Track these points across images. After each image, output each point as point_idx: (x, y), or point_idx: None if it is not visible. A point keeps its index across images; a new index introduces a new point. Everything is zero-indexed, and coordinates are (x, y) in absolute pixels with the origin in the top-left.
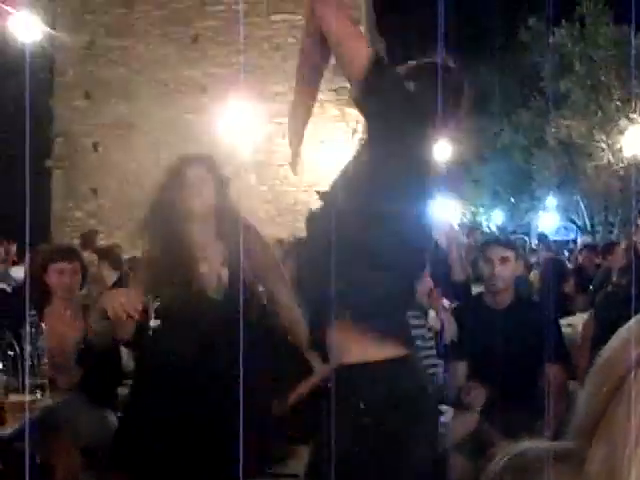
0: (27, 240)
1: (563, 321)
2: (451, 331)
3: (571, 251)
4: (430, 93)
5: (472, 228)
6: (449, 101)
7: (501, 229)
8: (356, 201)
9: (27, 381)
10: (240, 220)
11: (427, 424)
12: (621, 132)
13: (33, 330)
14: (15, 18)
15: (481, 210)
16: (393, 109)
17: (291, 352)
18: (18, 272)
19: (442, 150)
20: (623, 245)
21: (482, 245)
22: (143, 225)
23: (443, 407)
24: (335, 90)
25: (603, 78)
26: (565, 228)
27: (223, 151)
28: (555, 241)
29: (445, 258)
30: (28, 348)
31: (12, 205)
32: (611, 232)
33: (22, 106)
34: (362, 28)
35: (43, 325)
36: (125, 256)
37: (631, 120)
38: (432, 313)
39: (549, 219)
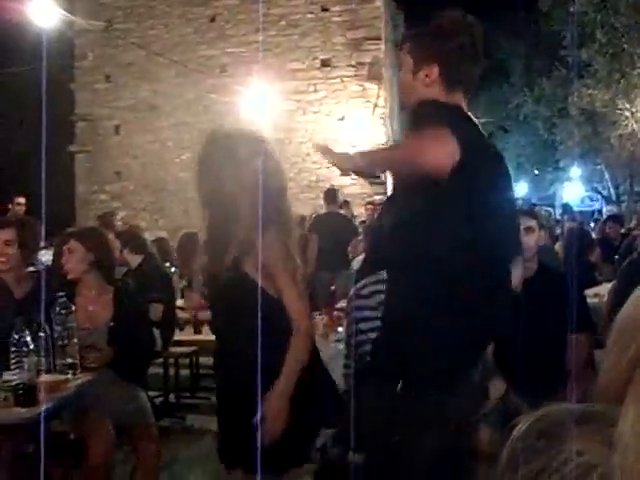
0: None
1: (589, 291)
2: None
3: (596, 221)
4: None
5: None
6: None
7: (525, 200)
8: None
9: (58, 361)
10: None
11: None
12: None
13: (62, 311)
14: (33, 4)
15: None
16: None
17: None
18: (46, 255)
19: None
20: None
21: None
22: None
23: None
24: (354, 66)
25: (626, 46)
26: (590, 198)
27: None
28: (580, 211)
29: None
30: (58, 329)
31: (38, 190)
32: (637, 201)
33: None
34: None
35: (72, 306)
36: (150, 237)
37: None
38: None
39: (573, 189)
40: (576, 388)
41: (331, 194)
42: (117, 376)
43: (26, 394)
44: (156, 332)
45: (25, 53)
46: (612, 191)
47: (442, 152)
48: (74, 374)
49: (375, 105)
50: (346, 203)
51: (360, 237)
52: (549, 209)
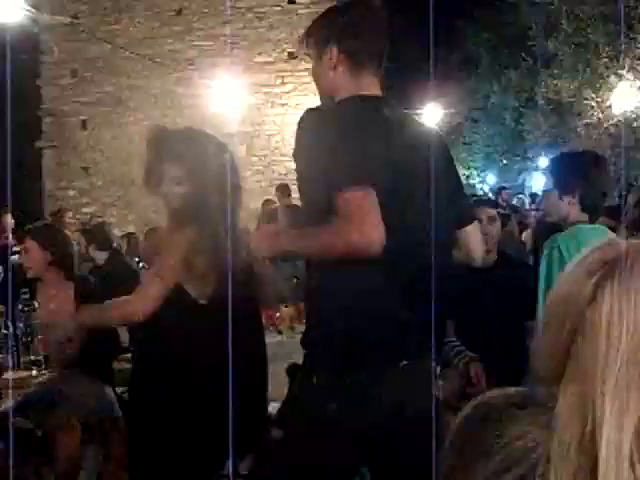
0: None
1: None
2: None
3: None
4: None
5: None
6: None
7: (494, 191)
8: None
9: (22, 358)
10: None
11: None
12: (610, 89)
13: (25, 308)
14: None
15: (474, 172)
16: None
17: None
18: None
19: (433, 113)
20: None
21: None
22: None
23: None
24: None
25: (591, 36)
26: None
27: (212, 123)
28: None
29: None
30: (21, 325)
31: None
32: None
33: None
34: None
35: (36, 303)
36: (118, 233)
37: (620, 77)
38: None
39: (542, 179)
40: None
41: (283, 188)
42: (82, 372)
43: None
44: (123, 328)
45: None
46: None
47: (375, 233)
48: (39, 371)
49: None
50: None
51: None
52: (521, 196)
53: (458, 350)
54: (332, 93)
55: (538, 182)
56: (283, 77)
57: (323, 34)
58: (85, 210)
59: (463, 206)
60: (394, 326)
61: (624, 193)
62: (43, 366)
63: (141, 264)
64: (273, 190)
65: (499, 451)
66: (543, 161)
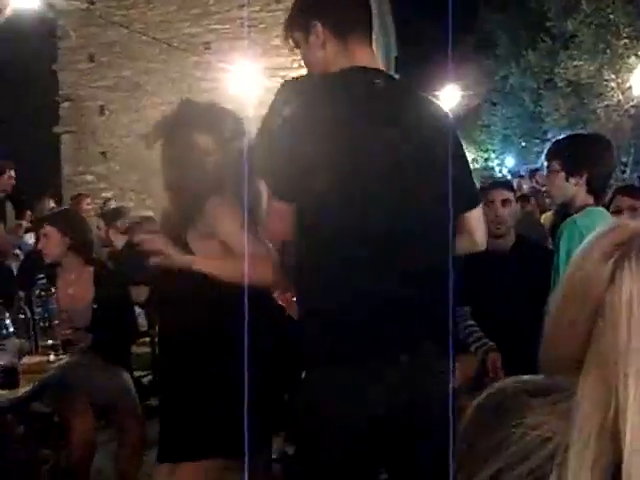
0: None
1: None
2: None
3: None
4: None
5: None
6: None
7: (513, 173)
8: None
9: (40, 343)
10: None
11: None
12: (630, 70)
13: (42, 293)
14: None
15: (492, 155)
16: None
17: None
18: (32, 238)
19: (451, 96)
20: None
21: (483, 189)
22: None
23: None
24: None
25: (611, 16)
26: None
27: (229, 107)
28: None
29: None
30: (38, 310)
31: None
32: (624, 172)
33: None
34: None
35: (53, 289)
36: (137, 217)
37: None
38: None
39: None
40: None
41: None
42: (99, 357)
43: (7, 376)
44: (142, 312)
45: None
46: None
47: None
48: (56, 355)
49: None
50: None
51: None
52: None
53: (477, 336)
54: (325, 71)
55: None
56: (300, 61)
57: (305, 15)
58: (103, 195)
59: (467, 189)
60: (391, 314)
61: None
62: (61, 351)
63: None
64: None
65: (515, 441)
66: None
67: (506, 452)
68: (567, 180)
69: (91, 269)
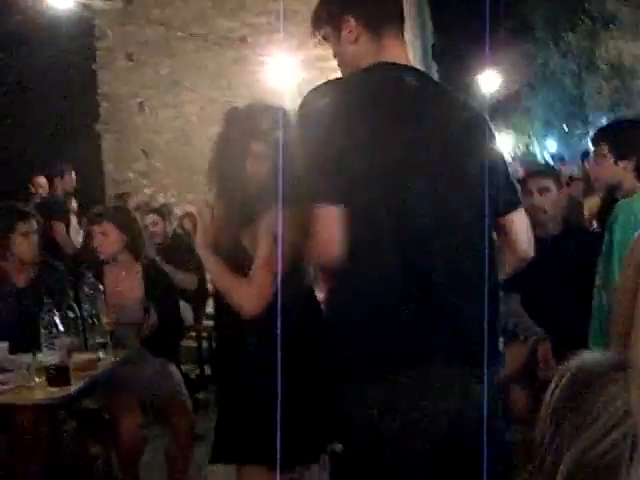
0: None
1: None
2: None
3: None
4: None
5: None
6: None
7: (555, 158)
8: None
9: (89, 340)
10: None
11: None
12: None
13: (91, 291)
14: None
15: (534, 140)
16: None
17: None
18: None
19: (491, 80)
20: None
21: (521, 178)
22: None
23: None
24: None
25: None
26: None
27: (268, 100)
28: None
29: None
30: (87, 307)
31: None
32: None
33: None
34: None
35: (101, 286)
36: (178, 213)
37: None
38: None
39: None
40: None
41: None
42: (149, 353)
43: (58, 374)
44: (188, 306)
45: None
46: None
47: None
48: (105, 353)
49: None
50: None
51: None
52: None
53: (526, 326)
54: (357, 67)
55: None
56: None
57: (334, 10)
58: (146, 192)
59: (504, 191)
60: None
61: None
62: (110, 348)
63: None
64: None
65: (600, 414)
66: None
67: (596, 424)
68: (616, 164)
69: (140, 266)
